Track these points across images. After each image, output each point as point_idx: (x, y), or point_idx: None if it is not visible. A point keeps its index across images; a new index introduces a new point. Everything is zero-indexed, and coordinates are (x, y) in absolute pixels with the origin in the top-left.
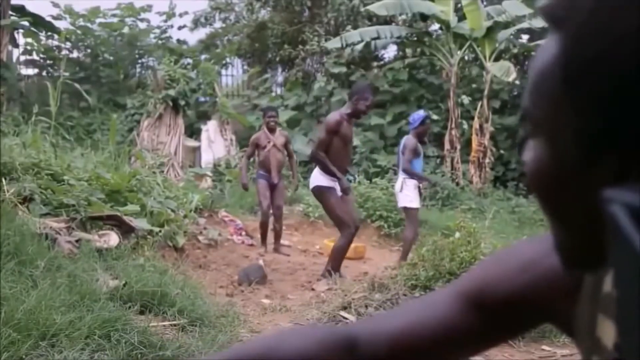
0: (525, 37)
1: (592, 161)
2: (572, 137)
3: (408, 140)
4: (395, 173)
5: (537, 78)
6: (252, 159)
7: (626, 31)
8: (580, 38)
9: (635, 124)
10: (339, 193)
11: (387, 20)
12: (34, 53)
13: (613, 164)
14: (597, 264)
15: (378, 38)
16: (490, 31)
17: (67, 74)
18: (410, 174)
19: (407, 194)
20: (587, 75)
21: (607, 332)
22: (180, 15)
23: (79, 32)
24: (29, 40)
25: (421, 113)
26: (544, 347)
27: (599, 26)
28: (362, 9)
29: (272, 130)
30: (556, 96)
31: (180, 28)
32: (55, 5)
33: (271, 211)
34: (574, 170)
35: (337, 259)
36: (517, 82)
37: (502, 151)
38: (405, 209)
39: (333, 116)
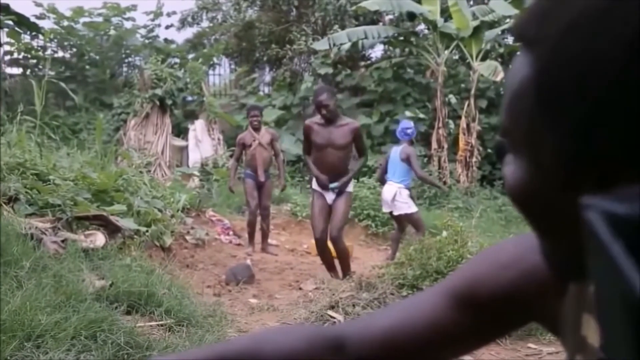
0: (511, 38)
1: (570, 180)
2: (550, 156)
3: (407, 148)
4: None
5: (512, 97)
6: (240, 160)
7: (599, 55)
8: (553, 60)
9: (612, 142)
10: (330, 199)
11: (374, 20)
12: (18, 52)
13: (593, 181)
14: (582, 273)
15: (365, 38)
16: (477, 31)
17: (52, 73)
18: (426, 181)
19: (404, 201)
20: (561, 98)
21: (592, 331)
22: (169, 14)
23: (63, 31)
24: (12, 40)
25: (411, 123)
26: (530, 345)
27: (571, 49)
28: (349, 9)
29: (256, 129)
30: (531, 116)
31: (167, 27)
32: (38, 4)
33: (258, 211)
34: (552, 187)
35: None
36: (504, 81)
37: (489, 150)
38: (407, 215)
39: (305, 123)
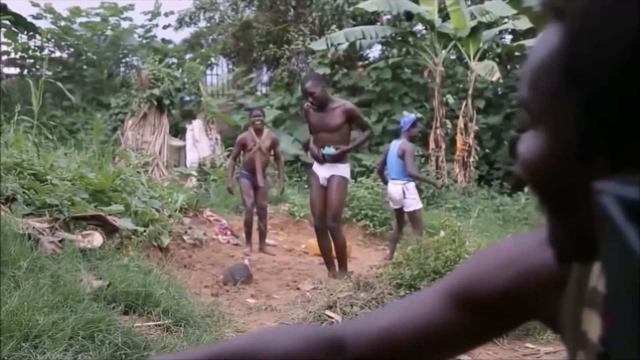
0: (508, 38)
1: (588, 154)
2: (571, 130)
3: (405, 144)
4: None
5: (536, 70)
6: (237, 159)
7: (623, 27)
8: (580, 30)
9: (629, 118)
10: (323, 178)
11: (372, 20)
12: (15, 52)
13: (609, 157)
14: (591, 255)
15: (363, 38)
16: (475, 31)
17: (49, 73)
18: (418, 179)
19: (413, 197)
20: (587, 66)
21: (593, 326)
22: (166, 14)
23: (60, 31)
24: (9, 40)
25: (412, 116)
26: (528, 344)
27: (596, 19)
28: (346, 9)
29: (258, 131)
30: (556, 88)
31: (165, 27)
32: (35, 4)
33: (255, 210)
34: (570, 161)
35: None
36: (501, 81)
37: (486, 150)
38: (414, 211)
39: (304, 106)
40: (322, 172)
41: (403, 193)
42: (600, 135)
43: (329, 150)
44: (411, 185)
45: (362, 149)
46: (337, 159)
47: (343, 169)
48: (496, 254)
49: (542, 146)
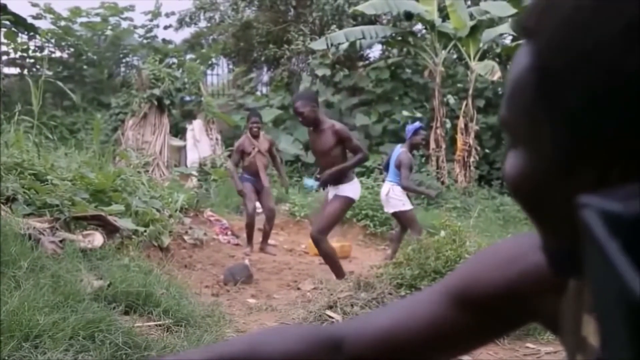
0: (508, 38)
1: (570, 170)
2: (550, 147)
3: (403, 155)
4: (381, 173)
5: (512, 89)
6: (238, 165)
7: (594, 45)
8: (550, 50)
9: (608, 133)
10: (328, 197)
11: (372, 20)
12: (15, 52)
13: (592, 172)
14: (582, 270)
15: (363, 38)
16: (474, 31)
17: (50, 73)
18: (412, 191)
19: (398, 198)
20: (558, 86)
21: (593, 332)
22: (167, 15)
23: (60, 31)
24: (9, 40)
25: (416, 124)
26: (528, 344)
27: (566, 39)
28: (347, 9)
29: (256, 136)
30: (531, 107)
31: (166, 28)
32: (34, 5)
33: (259, 211)
34: (553, 178)
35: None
36: (501, 80)
37: (486, 150)
38: (401, 213)
39: None
40: (330, 190)
41: (388, 192)
42: (580, 149)
43: (307, 181)
44: (397, 187)
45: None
46: (336, 181)
47: (346, 189)
48: (496, 254)
49: (523, 164)
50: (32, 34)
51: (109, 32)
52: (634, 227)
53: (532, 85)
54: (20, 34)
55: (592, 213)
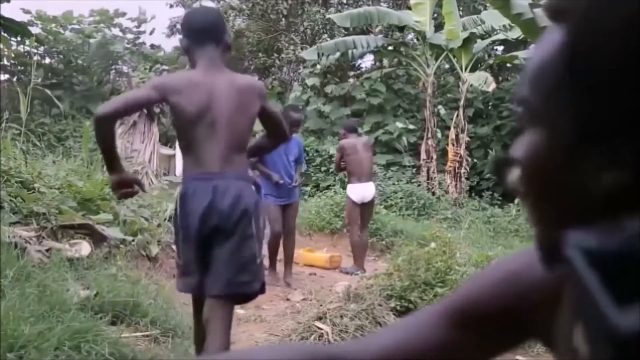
0: (500, 48)
1: (586, 148)
2: (570, 124)
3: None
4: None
5: (540, 68)
6: None
7: (620, 22)
8: (580, 29)
9: (629, 111)
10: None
11: (364, 30)
12: (4, 59)
13: (606, 152)
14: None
15: (355, 48)
16: (467, 42)
17: (38, 79)
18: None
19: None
20: (587, 65)
21: (582, 342)
22: (151, 19)
23: (50, 37)
24: (4, 46)
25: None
26: (518, 357)
27: (596, 18)
28: None
29: None
30: (556, 85)
31: (151, 33)
32: (26, 11)
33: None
34: (570, 158)
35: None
36: (490, 91)
37: (475, 160)
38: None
39: None
40: None
41: None
42: (597, 129)
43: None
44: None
45: None
46: None
47: None
48: (494, 270)
49: (540, 143)
50: (20, 39)
51: (95, 38)
52: (612, 260)
53: (561, 63)
54: (10, 39)
55: (574, 250)
